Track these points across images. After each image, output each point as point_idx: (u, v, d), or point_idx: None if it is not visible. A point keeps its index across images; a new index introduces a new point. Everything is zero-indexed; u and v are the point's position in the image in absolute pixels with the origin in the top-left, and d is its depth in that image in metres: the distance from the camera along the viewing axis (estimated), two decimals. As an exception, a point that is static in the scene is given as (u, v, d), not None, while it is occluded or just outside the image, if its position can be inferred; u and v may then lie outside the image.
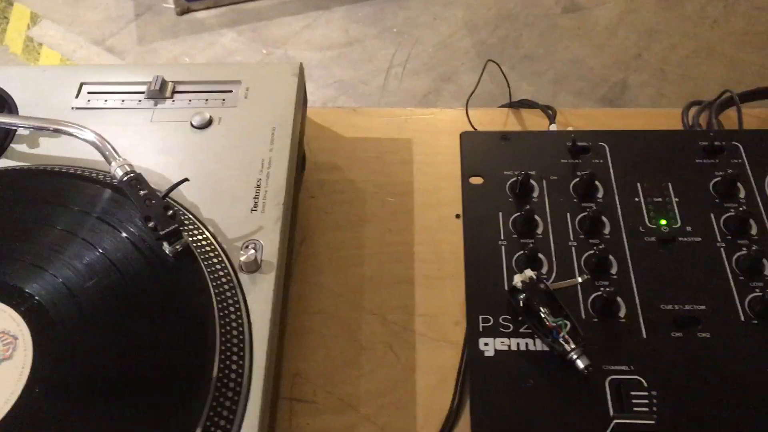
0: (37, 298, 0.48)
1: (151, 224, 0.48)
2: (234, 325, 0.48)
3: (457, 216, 0.57)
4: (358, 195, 0.66)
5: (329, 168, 0.68)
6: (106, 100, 0.61)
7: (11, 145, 0.59)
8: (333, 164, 0.69)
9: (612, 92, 1.85)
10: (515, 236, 0.53)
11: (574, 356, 0.46)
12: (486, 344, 0.48)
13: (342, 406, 0.55)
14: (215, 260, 0.51)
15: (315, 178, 0.68)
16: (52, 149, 0.58)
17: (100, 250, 0.50)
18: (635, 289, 0.50)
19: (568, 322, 0.47)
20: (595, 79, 1.88)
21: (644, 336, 0.48)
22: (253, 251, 0.51)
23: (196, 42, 2.05)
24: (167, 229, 0.48)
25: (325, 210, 0.65)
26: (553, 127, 0.65)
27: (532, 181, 0.56)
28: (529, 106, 0.71)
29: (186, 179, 0.52)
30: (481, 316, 0.49)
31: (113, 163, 0.53)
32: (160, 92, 0.61)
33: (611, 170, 0.56)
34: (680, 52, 1.91)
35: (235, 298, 0.49)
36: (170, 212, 0.49)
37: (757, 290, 0.49)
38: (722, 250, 0.51)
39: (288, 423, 0.54)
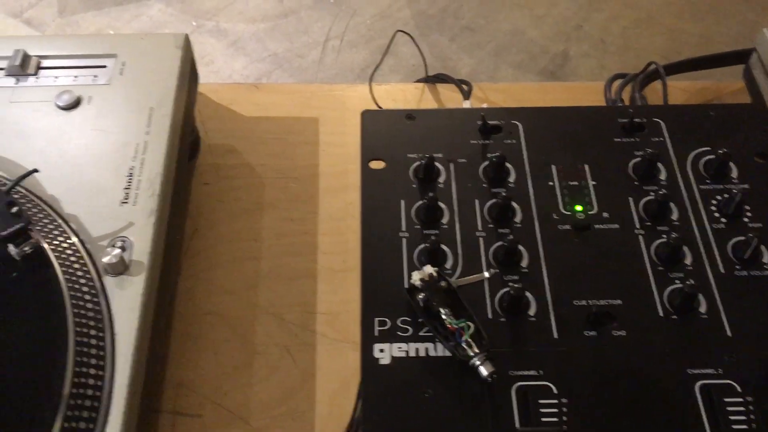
0: None
1: (-8, 224, 0.42)
2: (93, 335, 0.42)
3: None
4: (256, 180, 0.60)
5: (225, 151, 0.62)
6: (-44, 78, 0.54)
7: None
8: (230, 147, 0.62)
9: (553, 64, 1.80)
10: (418, 227, 0.48)
11: (478, 362, 0.41)
12: (382, 351, 0.43)
13: (231, 418, 0.49)
14: (75, 262, 0.45)
15: (209, 163, 0.61)
16: None
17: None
18: (546, 284, 0.45)
19: (471, 324, 0.42)
20: (535, 50, 1.83)
21: (555, 336, 0.43)
22: (119, 251, 0.45)
23: (121, 14, 1.94)
24: (10, 229, 0.42)
25: (219, 198, 0.59)
26: (467, 104, 0.60)
27: (438, 165, 0.50)
28: (445, 81, 0.65)
29: (35, 170, 0.46)
30: (377, 319, 0.44)
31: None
32: (21, 68, 0.54)
33: (524, 151, 0.51)
34: (621, 22, 1.88)
35: (97, 306, 0.43)
36: (14, 209, 0.42)
37: (677, 281, 0.45)
38: (641, 237, 0.47)
39: (169, 440, 0.48)
